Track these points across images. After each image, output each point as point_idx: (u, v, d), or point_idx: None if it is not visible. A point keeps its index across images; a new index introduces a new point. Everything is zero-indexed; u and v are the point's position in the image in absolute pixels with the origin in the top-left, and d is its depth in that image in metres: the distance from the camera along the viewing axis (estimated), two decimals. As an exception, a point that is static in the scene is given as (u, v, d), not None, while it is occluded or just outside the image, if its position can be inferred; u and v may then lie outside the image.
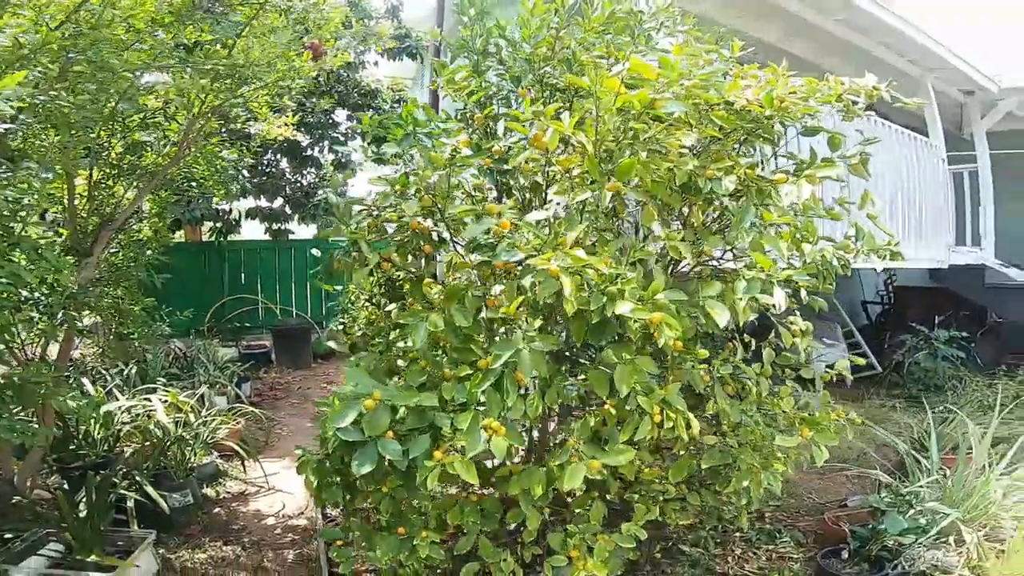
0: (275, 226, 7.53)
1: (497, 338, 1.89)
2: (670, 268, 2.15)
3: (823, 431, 2.32)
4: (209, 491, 4.28)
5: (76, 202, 2.78)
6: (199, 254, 8.19)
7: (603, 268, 1.53)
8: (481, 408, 1.69)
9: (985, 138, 7.08)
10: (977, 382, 5.46)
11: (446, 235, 2.24)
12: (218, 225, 7.55)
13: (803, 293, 2.06)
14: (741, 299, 1.73)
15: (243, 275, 8.69)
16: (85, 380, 4.60)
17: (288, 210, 7.45)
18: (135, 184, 2.94)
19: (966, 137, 7.34)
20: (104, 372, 5.31)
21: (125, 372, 5.43)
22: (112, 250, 3.48)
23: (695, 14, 2.51)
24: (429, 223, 2.15)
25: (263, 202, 7.59)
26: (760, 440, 2.27)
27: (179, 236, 8.71)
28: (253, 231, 8.38)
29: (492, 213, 1.81)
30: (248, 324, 8.46)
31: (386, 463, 1.69)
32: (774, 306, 1.70)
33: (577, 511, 2.19)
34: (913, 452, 3.51)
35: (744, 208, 1.88)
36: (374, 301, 2.85)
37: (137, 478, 3.60)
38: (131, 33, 2.03)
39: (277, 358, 7.75)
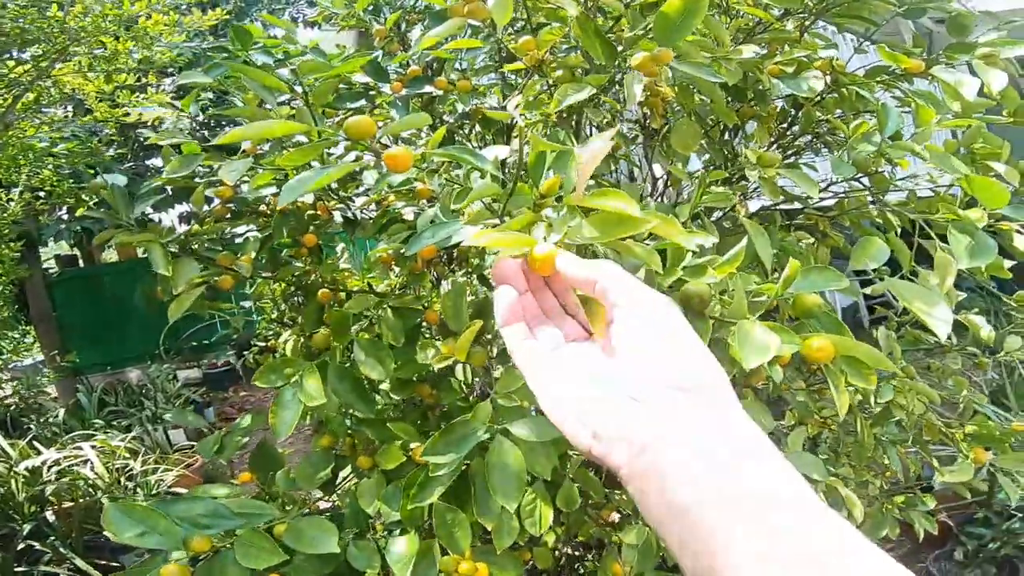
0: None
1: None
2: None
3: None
4: (165, 548, 3.66)
5: None
6: (134, 273, 7.24)
7: (680, 237, 0.52)
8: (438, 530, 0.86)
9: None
10: None
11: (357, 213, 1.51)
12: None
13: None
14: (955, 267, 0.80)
15: (192, 288, 7.90)
16: (-3, 433, 3.92)
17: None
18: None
19: None
20: (23, 420, 4.57)
21: (50, 418, 4.72)
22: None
23: None
24: (308, 198, 1.42)
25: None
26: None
27: (110, 256, 7.91)
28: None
29: (366, 133, 0.60)
30: (207, 341, 7.74)
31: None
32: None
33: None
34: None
35: (885, 108, 1.01)
36: (286, 319, 2.12)
37: (61, 550, 3.00)
38: None
39: (244, 374, 7.17)
